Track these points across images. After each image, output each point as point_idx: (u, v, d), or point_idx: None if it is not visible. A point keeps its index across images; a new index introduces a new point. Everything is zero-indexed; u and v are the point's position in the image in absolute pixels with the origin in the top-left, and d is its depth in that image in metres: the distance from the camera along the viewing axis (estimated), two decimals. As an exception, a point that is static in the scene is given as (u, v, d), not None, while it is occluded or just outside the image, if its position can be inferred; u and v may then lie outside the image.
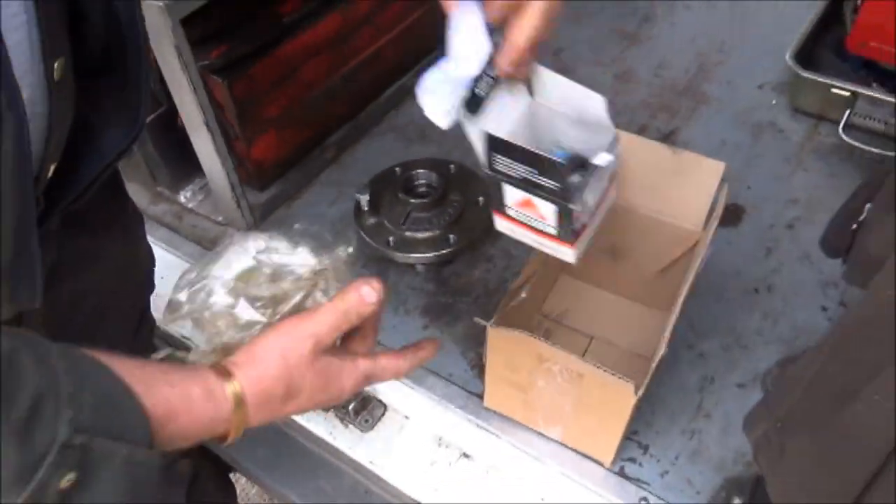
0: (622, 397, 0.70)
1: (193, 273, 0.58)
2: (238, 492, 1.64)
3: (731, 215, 1.11)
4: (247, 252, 0.59)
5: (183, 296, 0.57)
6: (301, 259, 0.60)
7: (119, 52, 0.60)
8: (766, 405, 0.62)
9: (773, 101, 1.31)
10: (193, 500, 1.06)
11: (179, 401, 0.48)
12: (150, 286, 0.88)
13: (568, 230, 0.65)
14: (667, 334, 0.70)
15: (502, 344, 0.76)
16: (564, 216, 0.63)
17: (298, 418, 0.92)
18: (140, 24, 0.61)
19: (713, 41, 1.47)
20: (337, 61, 1.28)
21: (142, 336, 0.87)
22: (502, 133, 0.63)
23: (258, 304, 0.57)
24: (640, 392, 0.68)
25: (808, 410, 0.54)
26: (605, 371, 0.68)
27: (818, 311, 0.98)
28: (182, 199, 1.25)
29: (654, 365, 0.69)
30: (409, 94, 1.42)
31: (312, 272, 0.59)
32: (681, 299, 0.74)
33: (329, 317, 0.55)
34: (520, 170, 0.63)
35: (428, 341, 0.63)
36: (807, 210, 1.11)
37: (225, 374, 0.51)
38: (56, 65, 0.52)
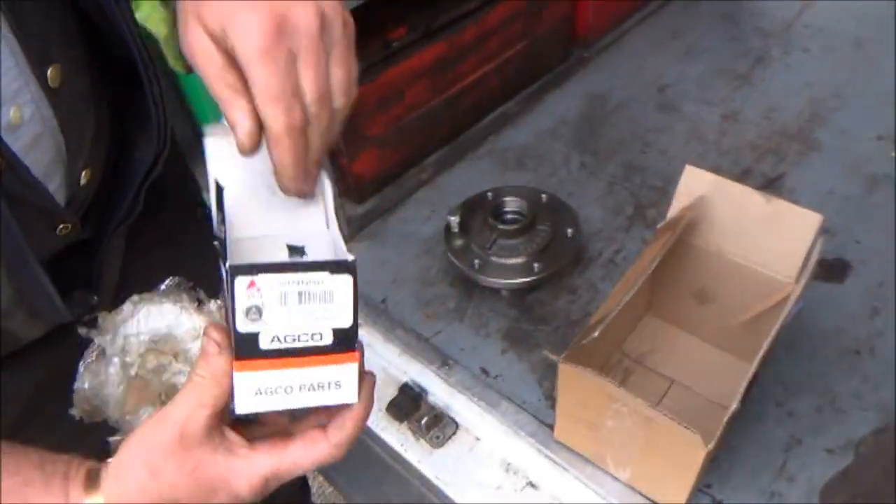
0: (691, 448, 0.68)
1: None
2: (315, 489, 1.70)
3: (836, 270, 1.06)
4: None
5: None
6: (185, 321, 0.51)
7: (132, 64, 0.59)
8: (846, 476, 0.59)
9: (893, 154, 1.24)
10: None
11: None
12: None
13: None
14: (742, 387, 0.68)
15: (572, 380, 0.76)
16: None
17: (371, 425, 0.94)
18: (141, 37, 0.59)
19: (829, 87, 1.41)
20: (440, 86, 1.32)
21: None
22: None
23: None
24: (711, 446, 0.66)
25: (890, 490, 0.51)
26: (672, 420, 0.66)
27: (924, 379, 0.91)
28: (285, 206, 1.32)
29: (725, 419, 0.67)
30: (509, 120, 1.44)
31: (195, 337, 0.51)
32: (762, 352, 0.72)
33: (190, 395, 0.44)
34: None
35: (353, 411, 0.48)
36: (920, 271, 1.05)
37: (92, 485, 0.44)
38: (49, 71, 0.52)
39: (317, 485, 1.70)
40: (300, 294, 0.42)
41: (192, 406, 0.43)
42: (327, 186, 0.51)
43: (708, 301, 0.93)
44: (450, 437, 0.93)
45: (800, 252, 0.83)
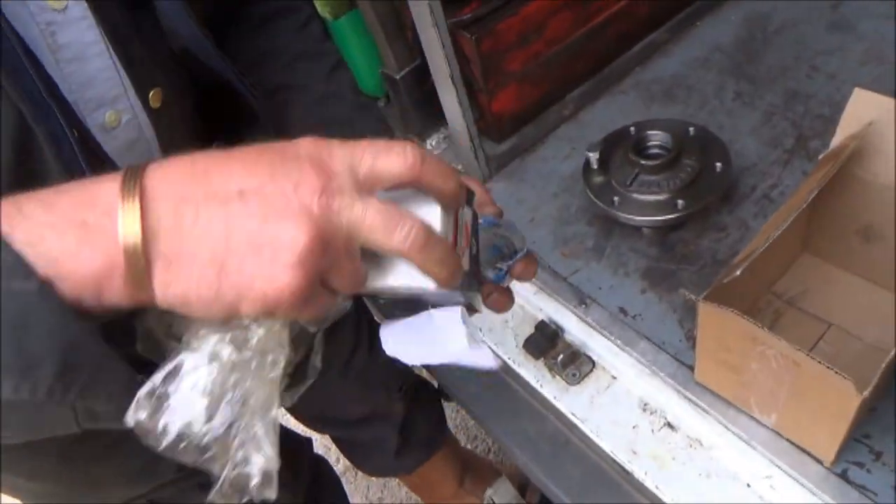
0: (844, 395, 0.64)
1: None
2: (458, 422, 1.78)
3: None
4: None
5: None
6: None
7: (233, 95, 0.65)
8: None
9: None
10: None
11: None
12: None
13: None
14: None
15: (713, 320, 0.73)
16: None
17: (509, 361, 0.97)
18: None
19: None
20: (582, 17, 1.27)
21: None
22: None
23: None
24: (866, 393, 0.61)
25: None
26: (821, 364, 0.62)
27: None
28: (429, 146, 1.35)
29: (884, 364, 0.62)
30: (657, 50, 1.37)
31: None
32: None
33: None
34: None
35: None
36: None
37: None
38: (151, 94, 0.58)
39: (460, 417, 1.78)
40: None
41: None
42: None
43: (874, 238, 0.85)
44: (586, 375, 0.93)
45: None
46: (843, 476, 0.75)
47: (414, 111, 1.34)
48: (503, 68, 1.21)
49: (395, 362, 1.14)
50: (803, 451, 0.77)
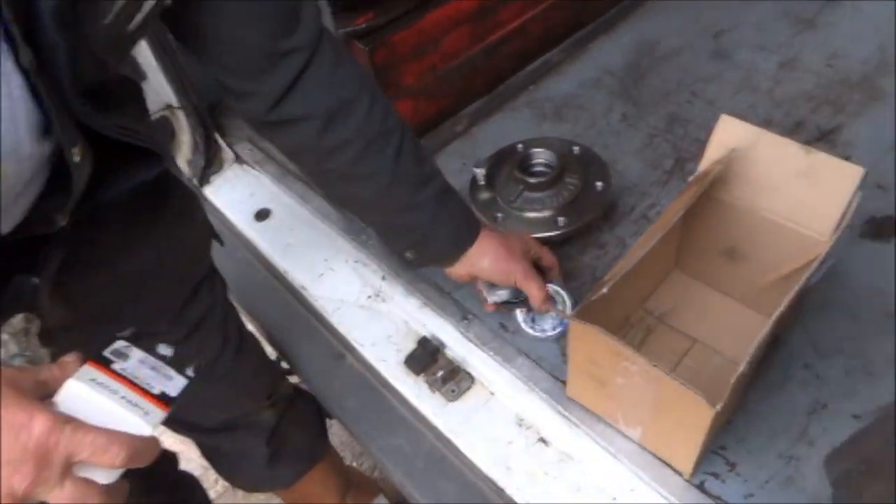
0: (699, 409, 0.66)
1: None
2: (345, 439, 1.74)
3: (885, 229, 0.99)
4: None
5: None
6: None
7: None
8: (853, 442, 0.56)
9: (965, 104, 1.13)
10: (289, 420, 1.14)
11: None
12: (202, 264, 0.93)
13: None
14: (753, 347, 0.65)
15: (582, 336, 0.74)
16: None
17: (388, 377, 0.95)
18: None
19: (902, 32, 1.29)
20: (479, 33, 1.28)
21: (200, 300, 0.91)
22: None
23: None
24: (719, 407, 0.64)
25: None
26: (677, 381, 0.64)
27: (972, 348, 0.85)
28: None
29: (732, 380, 0.64)
30: (552, 69, 1.40)
31: None
32: (780, 310, 0.68)
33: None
34: None
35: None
36: (983, 232, 0.96)
37: None
38: (74, 150, 0.57)
39: (346, 434, 1.75)
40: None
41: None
42: None
43: (738, 259, 0.89)
44: (465, 391, 0.93)
45: (837, 208, 0.78)
46: (701, 487, 0.78)
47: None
48: (398, 81, 1.20)
49: (265, 368, 1.10)
50: (665, 463, 0.79)
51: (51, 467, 0.46)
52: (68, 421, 0.47)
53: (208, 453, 1.18)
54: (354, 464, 1.68)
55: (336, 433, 1.74)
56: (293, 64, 0.74)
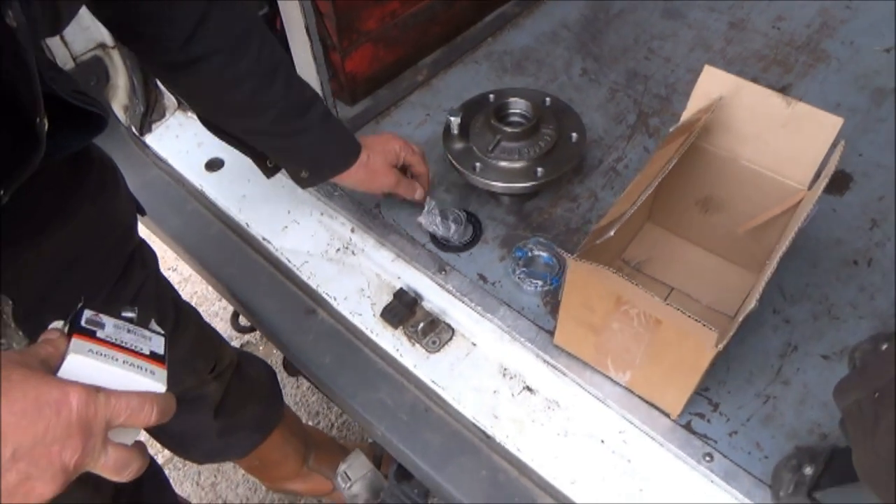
0: (700, 348, 0.68)
1: None
2: (298, 398, 1.70)
3: (838, 182, 1.04)
4: None
5: None
6: None
7: None
8: (863, 374, 0.59)
9: (902, 67, 1.21)
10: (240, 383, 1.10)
11: None
12: (130, 238, 0.88)
13: None
14: (760, 289, 0.67)
15: (582, 280, 0.74)
16: None
17: (366, 331, 0.93)
18: None
19: (842, -4, 1.36)
20: (440, -20, 1.24)
21: (132, 277, 0.87)
22: None
23: None
24: (722, 345, 0.65)
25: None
26: (688, 317, 0.65)
27: (921, 291, 0.91)
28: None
29: (741, 318, 0.66)
30: (509, 21, 1.38)
31: None
32: (777, 257, 0.70)
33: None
34: None
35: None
36: (923, 185, 1.04)
37: None
38: (40, 118, 0.55)
39: (300, 394, 1.71)
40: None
41: None
42: None
43: (712, 209, 0.91)
44: (446, 343, 0.92)
45: (816, 158, 0.81)
46: (688, 427, 0.80)
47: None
48: (358, 27, 1.15)
49: (206, 341, 1.05)
50: (653, 406, 0.81)
51: (94, 436, 0.47)
52: (98, 390, 0.48)
53: (157, 436, 1.12)
54: (310, 423, 1.64)
55: (289, 392, 1.70)
56: (200, 2, 0.76)
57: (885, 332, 0.85)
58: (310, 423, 1.64)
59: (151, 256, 0.92)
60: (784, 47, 1.28)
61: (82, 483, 0.50)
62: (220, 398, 1.08)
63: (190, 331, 1.00)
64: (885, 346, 0.78)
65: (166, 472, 1.31)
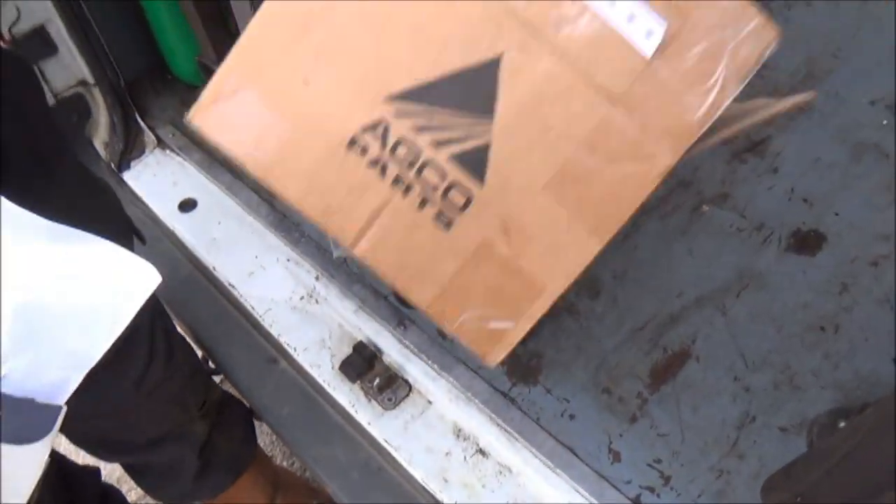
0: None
1: None
2: (274, 438, 1.69)
3: (810, 243, 1.03)
4: None
5: None
6: None
7: None
8: (788, 474, 0.57)
9: (885, 122, 1.19)
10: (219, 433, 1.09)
11: None
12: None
13: None
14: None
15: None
16: None
17: (323, 384, 0.92)
18: None
19: (829, 45, 1.34)
20: None
21: None
22: None
23: None
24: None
25: (831, 493, 0.49)
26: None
27: (888, 362, 0.89)
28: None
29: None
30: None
31: None
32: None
33: None
34: None
35: None
36: (898, 249, 1.02)
37: None
38: None
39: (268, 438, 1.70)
40: None
41: None
42: None
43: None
44: (402, 399, 0.91)
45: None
46: (636, 501, 0.79)
47: (206, 32, 1.21)
48: None
49: (197, 376, 1.04)
50: (602, 477, 0.80)
51: None
52: None
53: (135, 472, 1.11)
54: (285, 463, 1.63)
55: (266, 431, 1.69)
56: None
57: (844, 407, 0.83)
58: (284, 463, 1.63)
59: None
60: (766, 96, 1.26)
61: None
62: (206, 437, 1.07)
63: (184, 366, 0.99)
64: (842, 424, 0.77)
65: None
